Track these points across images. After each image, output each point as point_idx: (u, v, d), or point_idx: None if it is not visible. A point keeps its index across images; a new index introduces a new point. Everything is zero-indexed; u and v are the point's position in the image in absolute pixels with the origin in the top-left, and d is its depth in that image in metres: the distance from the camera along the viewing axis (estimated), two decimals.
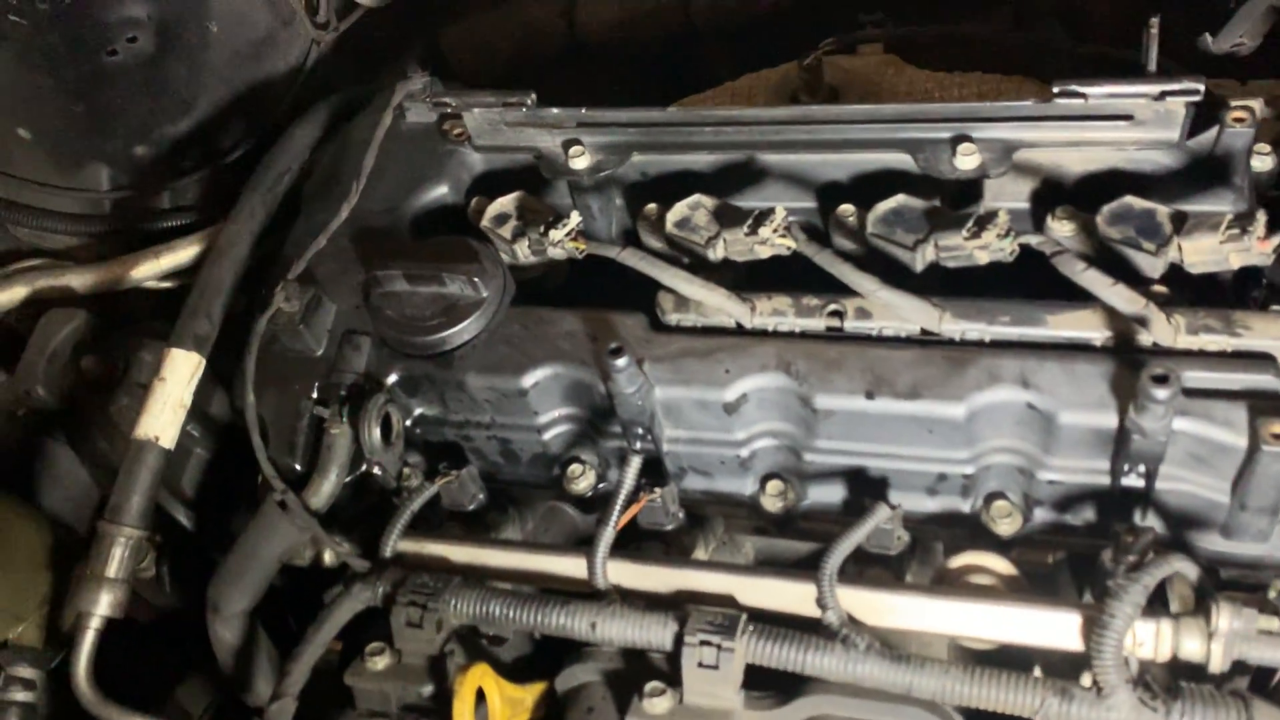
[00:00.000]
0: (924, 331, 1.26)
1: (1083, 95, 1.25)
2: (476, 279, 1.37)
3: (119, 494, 1.36)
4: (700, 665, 1.11)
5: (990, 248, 1.25)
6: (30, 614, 1.49)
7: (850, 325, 1.28)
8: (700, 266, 1.36)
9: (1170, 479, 1.17)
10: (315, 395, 1.40)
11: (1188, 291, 1.27)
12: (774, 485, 1.32)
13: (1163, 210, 1.24)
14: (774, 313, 1.30)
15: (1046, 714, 1.03)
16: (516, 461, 1.42)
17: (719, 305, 1.30)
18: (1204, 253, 1.20)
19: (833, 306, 1.29)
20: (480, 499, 1.39)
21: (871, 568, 1.24)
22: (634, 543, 1.32)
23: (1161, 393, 1.05)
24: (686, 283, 1.31)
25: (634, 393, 1.24)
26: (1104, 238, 1.24)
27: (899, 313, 1.25)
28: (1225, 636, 1.03)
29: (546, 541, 1.41)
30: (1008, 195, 1.39)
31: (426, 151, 1.59)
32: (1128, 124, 1.29)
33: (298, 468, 1.38)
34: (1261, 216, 1.18)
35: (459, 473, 1.35)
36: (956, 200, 1.36)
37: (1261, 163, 1.33)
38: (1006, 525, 1.23)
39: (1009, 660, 1.12)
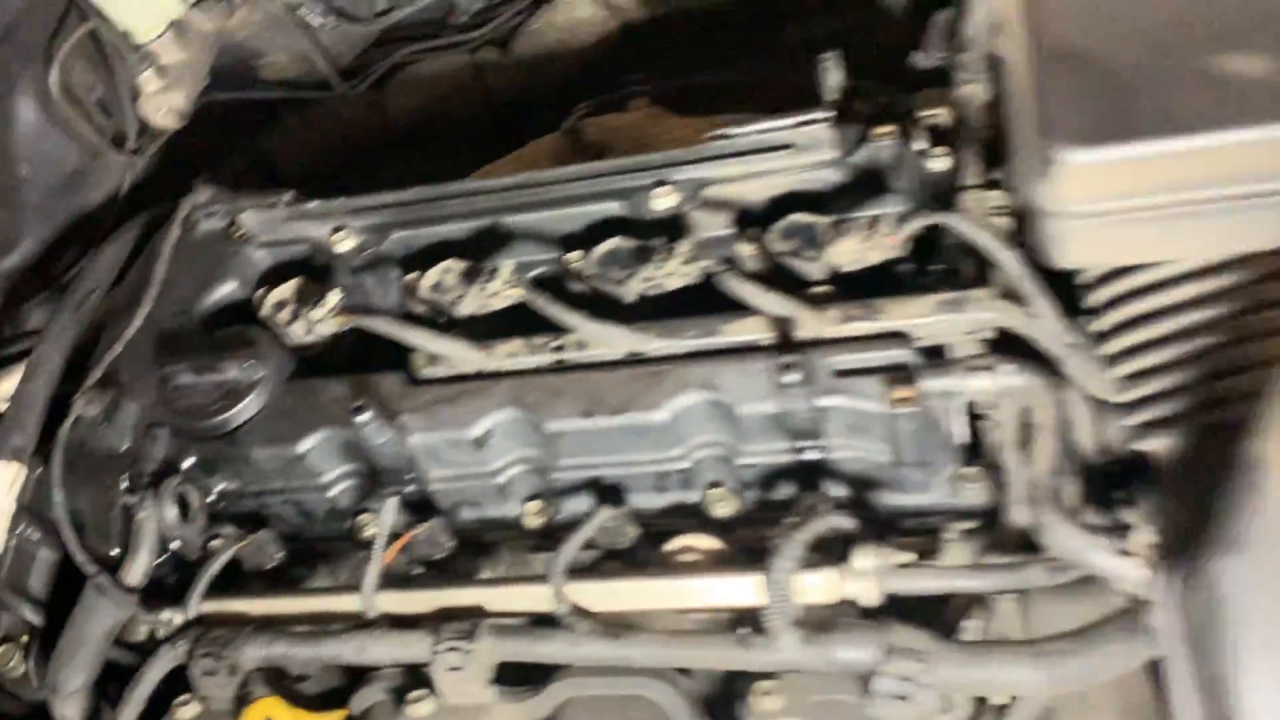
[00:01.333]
0: (631, 354, 1.44)
1: (728, 136, 1.45)
2: (251, 362, 1.54)
3: None
4: (450, 670, 1.28)
5: (678, 274, 1.45)
6: None
7: (572, 357, 1.47)
8: (454, 324, 1.55)
9: (843, 449, 1.36)
10: (125, 485, 1.56)
11: (861, 290, 1.46)
12: (532, 505, 1.49)
13: (823, 221, 1.43)
14: (509, 355, 1.48)
15: (730, 661, 1.21)
16: (314, 519, 1.58)
17: (458, 355, 1.49)
18: (850, 253, 1.39)
19: (556, 342, 1.47)
20: (279, 557, 1.55)
21: (610, 562, 1.41)
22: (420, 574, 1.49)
23: (789, 378, 1.24)
24: (429, 340, 1.49)
25: (385, 443, 1.42)
26: (774, 253, 1.44)
27: (606, 341, 1.44)
28: (872, 574, 1.21)
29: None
30: (713, 226, 1.57)
31: (215, 254, 1.76)
32: (790, 151, 1.50)
33: (115, 553, 1.54)
34: (891, 214, 1.38)
35: (253, 535, 1.51)
36: (672, 237, 1.56)
37: (938, 164, 1.53)
38: (723, 508, 1.41)
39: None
